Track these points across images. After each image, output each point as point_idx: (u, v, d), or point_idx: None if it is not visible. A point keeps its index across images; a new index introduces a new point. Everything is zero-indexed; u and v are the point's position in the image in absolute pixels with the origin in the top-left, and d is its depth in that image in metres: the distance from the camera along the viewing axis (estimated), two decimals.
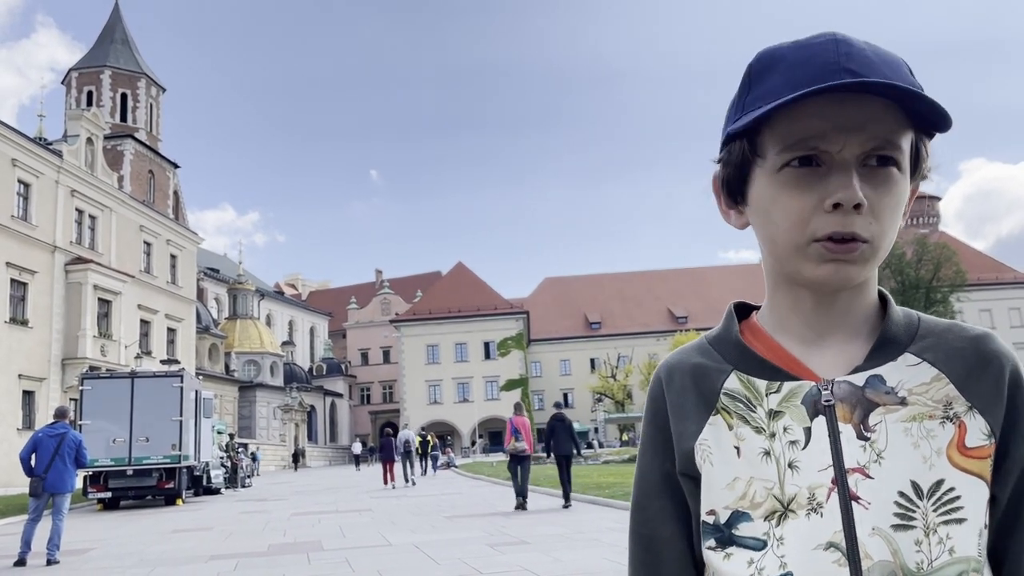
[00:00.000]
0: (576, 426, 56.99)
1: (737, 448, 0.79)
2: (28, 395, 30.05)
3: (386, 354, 79.20)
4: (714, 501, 0.80)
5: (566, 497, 13.75)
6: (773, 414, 0.78)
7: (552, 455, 14.02)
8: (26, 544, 9.59)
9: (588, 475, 21.72)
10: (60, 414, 10.35)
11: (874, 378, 0.76)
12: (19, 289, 30.06)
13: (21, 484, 22.92)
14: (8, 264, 29.16)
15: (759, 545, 0.76)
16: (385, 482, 22.66)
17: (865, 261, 0.74)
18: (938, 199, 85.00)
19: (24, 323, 30.00)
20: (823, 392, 0.77)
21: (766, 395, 0.79)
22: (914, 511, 0.72)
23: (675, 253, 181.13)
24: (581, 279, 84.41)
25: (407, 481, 22.96)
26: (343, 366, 76.59)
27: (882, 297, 0.82)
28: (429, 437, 32.67)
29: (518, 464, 13.79)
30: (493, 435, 68.74)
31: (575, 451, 13.95)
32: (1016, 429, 0.76)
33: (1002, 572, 0.77)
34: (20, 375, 29.43)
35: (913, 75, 0.75)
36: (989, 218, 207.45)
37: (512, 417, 14.02)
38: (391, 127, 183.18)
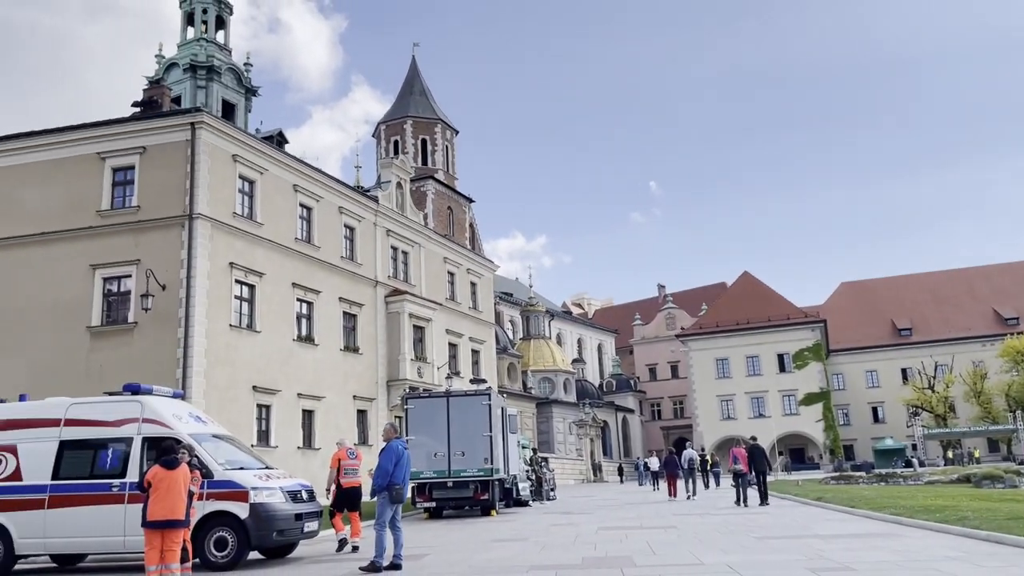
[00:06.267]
0: (889, 443, 53.32)
1: None
2: (361, 413, 34.08)
3: (674, 369, 78.53)
4: None
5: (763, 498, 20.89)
6: None
7: (754, 471, 21.02)
8: (384, 549, 10.21)
9: (912, 496, 19.73)
10: (394, 429, 11.58)
11: None
12: (350, 320, 34.28)
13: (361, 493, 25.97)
14: (340, 299, 33.38)
15: None
16: (671, 495, 26.00)
17: None
18: None
19: (355, 350, 34.10)
20: None
21: None
22: None
23: (997, 246, 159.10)
24: (884, 282, 77.44)
25: (688, 495, 26.15)
26: (632, 382, 77.19)
27: None
28: (708, 456, 37.55)
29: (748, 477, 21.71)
30: (794, 452, 65.07)
31: (768, 468, 21.73)
32: None
33: None
34: (354, 396, 33.46)
35: None
36: None
37: (733, 449, 22.46)
38: (670, 137, 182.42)
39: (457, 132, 61.25)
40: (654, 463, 39.88)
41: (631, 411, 74.01)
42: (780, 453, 57.61)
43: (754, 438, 22.07)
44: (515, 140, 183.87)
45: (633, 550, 11.30)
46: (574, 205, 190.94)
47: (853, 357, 70.83)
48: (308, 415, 30.11)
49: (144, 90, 31.51)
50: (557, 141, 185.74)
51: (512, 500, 23.18)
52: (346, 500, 14.14)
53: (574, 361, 71.31)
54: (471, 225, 60.08)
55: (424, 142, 58.47)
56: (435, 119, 59.24)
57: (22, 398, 13.16)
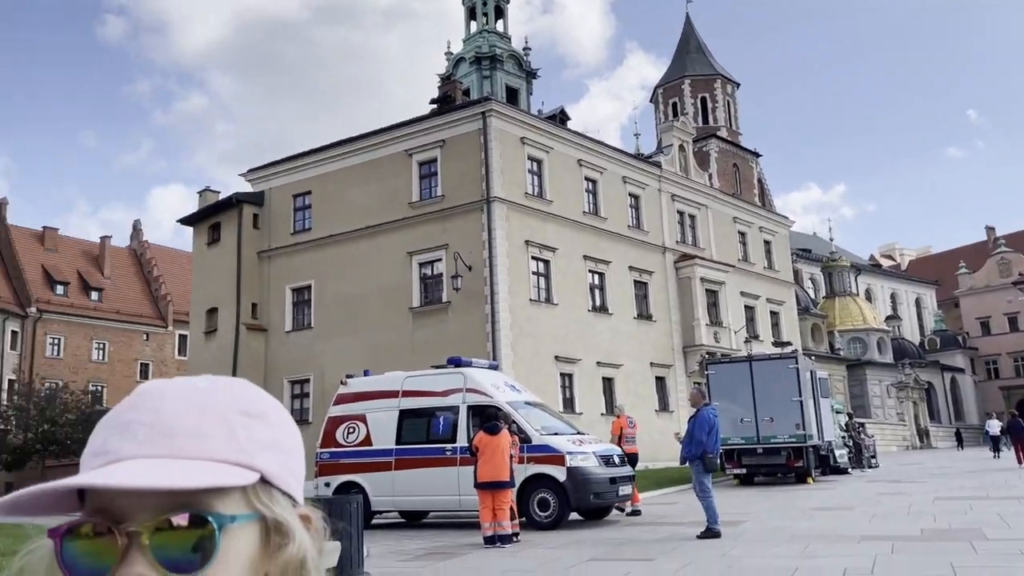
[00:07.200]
0: None
1: None
2: (660, 380, 34.20)
3: (1012, 321, 68.75)
4: None
5: None
6: None
7: None
8: (717, 515, 10.11)
9: None
10: (702, 395, 11.42)
11: None
12: (641, 288, 34.46)
13: (666, 458, 26.14)
14: (630, 268, 33.66)
15: None
16: (1019, 463, 23.84)
17: None
18: None
19: (649, 317, 34.23)
20: None
21: None
22: None
23: None
24: None
25: None
26: (960, 338, 68.88)
27: None
28: None
29: None
30: None
31: None
32: None
33: None
34: (651, 363, 33.66)
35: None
36: None
37: None
38: (988, 56, 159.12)
39: (738, 85, 58.63)
40: (994, 427, 35.35)
41: (960, 370, 66.17)
42: None
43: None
44: (803, 84, 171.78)
45: (981, 522, 10.10)
46: (876, 148, 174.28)
47: None
48: (608, 383, 30.86)
49: (438, 87, 34.12)
50: (850, 79, 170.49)
51: (829, 467, 21.89)
52: None
53: (888, 318, 65.34)
54: (759, 181, 57.30)
55: (704, 100, 56.75)
56: (714, 75, 57.19)
57: (366, 373, 14.96)
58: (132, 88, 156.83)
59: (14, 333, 49.48)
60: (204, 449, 0.64)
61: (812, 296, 59.28)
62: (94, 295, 54.31)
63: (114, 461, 0.63)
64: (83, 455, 0.67)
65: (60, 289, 52.60)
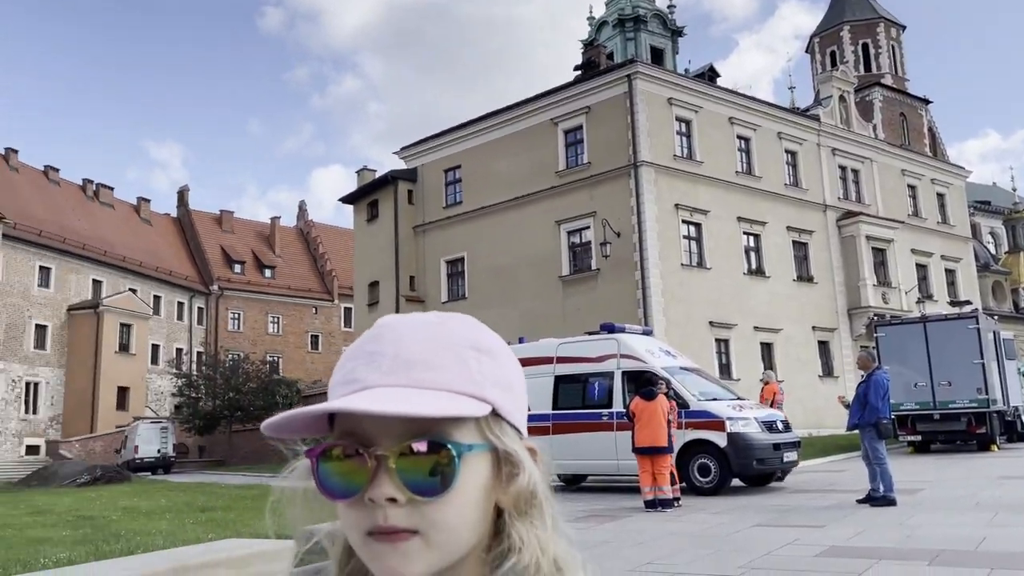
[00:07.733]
0: None
1: None
2: (823, 344, 32.66)
3: None
4: None
5: None
6: None
7: None
8: (893, 483, 9.72)
9: None
10: (871, 358, 10.84)
11: None
12: (800, 249, 32.90)
13: (831, 425, 25.04)
14: (788, 228, 32.20)
15: None
16: None
17: None
18: None
19: (809, 279, 32.69)
20: None
21: None
22: None
23: None
24: None
25: None
26: None
27: None
28: None
29: None
30: None
31: None
32: None
33: None
34: (813, 327, 32.17)
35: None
36: None
37: None
38: None
39: (904, 28, 54.32)
40: None
41: None
42: None
43: None
44: (977, 21, 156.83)
45: None
46: None
47: None
48: (767, 348, 29.86)
49: (581, 53, 33.86)
50: None
51: (1016, 434, 20.27)
52: None
53: None
54: (930, 130, 53.11)
55: (865, 46, 53.00)
56: (876, 18, 53.24)
57: (521, 340, 15.26)
58: (291, 75, 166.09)
59: (200, 309, 54.11)
60: (440, 380, 0.69)
61: (993, 251, 54.67)
62: (267, 272, 58.37)
63: (361, 389, 0.68)
64: (331, 383, 0.74)
65: (237, 268, 56.89)
